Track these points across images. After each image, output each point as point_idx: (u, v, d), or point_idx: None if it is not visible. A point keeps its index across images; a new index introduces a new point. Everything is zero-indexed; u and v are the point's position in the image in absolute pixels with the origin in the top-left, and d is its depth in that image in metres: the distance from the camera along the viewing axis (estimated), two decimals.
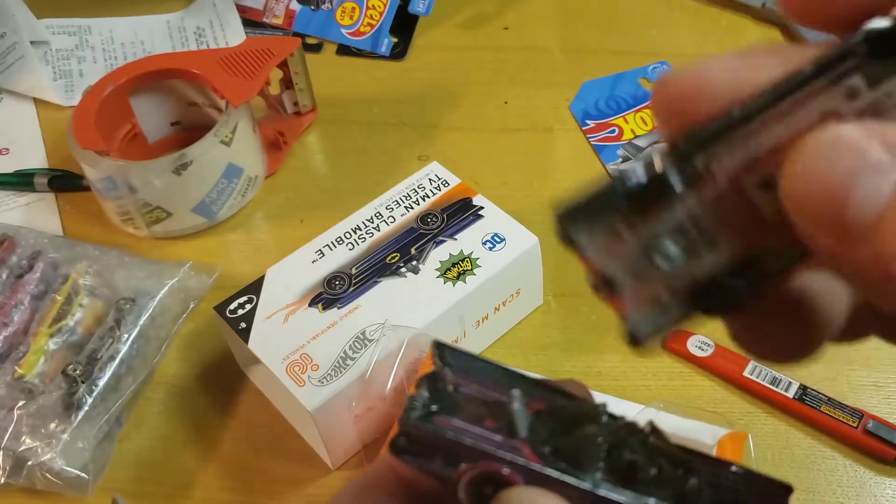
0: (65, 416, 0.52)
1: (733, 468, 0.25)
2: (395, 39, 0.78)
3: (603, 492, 0.23)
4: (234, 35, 0.79)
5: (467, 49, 0.77)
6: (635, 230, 0.19)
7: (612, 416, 0.25)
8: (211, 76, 0.65)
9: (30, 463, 0.51)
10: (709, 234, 0.19)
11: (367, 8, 0.79)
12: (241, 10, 0.80)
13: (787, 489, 0.25)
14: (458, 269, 0.53)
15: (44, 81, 0.75)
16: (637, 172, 0.18)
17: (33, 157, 0.71)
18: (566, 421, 0.25)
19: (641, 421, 0.25)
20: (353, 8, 0.79)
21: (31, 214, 0.67)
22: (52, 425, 0.52)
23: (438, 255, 0.54)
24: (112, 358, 0.55)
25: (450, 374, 0.25)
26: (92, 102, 0.64)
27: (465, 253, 0.54)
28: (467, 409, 0.25)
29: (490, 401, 0.25)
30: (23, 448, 0.51)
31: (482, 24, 0.79)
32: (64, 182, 0.68)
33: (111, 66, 0.77)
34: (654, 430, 0.25)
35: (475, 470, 0.23)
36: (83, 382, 0.53)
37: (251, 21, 0.80)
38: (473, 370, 0.26)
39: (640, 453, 0.24)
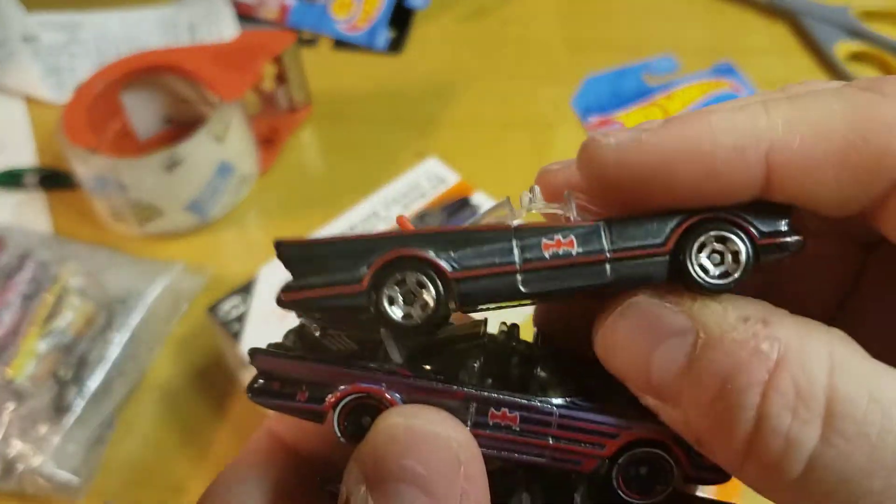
0: (55, 420, 0.51)
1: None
2: (392, 34, 0.77)
3: (484, 394, 0.21)
4: (228, 29, 0.77)
5: (466, 43, 0.76)
6: None
7: (492, 331, 0.24)
8: (203, 71, 0.64)
9: (20, 467, 0.50)
10: None
11: (364, 1, 0.77)
12: (235, 4, 0.79)
13: None
14: None
15: (34, 78, 0.74)
16: None
17: (23, 155, 0.70)
18: (444, 341, 0.23)
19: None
20: (349, 1, 0.78)
21: (21, 213, 0.66)
22: (43, 429, 0.51)
23: None
24: (103, 360, 0.54)
25: (315, 322, 0.23)
26: (83, 99, 0.63)
27: None
28: (336, 347, 0.23)
29: (363, 339, 0.23)
30: (13, 452, 0.50)
31: (482, 17, 0.78)
32: (54, 180, 0.67)
33: (103, 62, 0.76)
34: (540, 334, 0.24)
35: (344, 394, 0.21)
36: (74, 385, 0.52)
37: (245, 15, 0.79)
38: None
39: (521, 360, 0.23)
